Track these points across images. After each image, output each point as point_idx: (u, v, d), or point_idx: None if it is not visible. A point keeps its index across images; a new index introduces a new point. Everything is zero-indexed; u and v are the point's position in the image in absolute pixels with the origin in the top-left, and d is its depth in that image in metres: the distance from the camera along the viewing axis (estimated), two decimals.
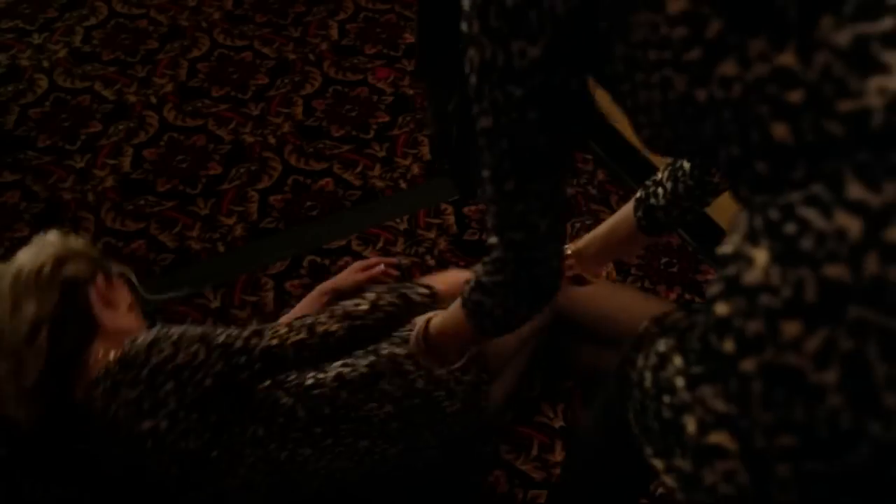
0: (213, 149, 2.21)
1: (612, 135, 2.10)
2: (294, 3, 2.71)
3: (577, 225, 2.01)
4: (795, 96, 0.57)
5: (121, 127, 2.27)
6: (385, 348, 1.37)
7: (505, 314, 0.97)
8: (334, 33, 2.59)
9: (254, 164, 2.17)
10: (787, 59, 0.56)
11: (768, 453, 0.60)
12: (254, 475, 1.28)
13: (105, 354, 1.24)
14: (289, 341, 1.21)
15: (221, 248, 1.97)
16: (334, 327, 1.22)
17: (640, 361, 0.75)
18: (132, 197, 2.09)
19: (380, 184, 2.12)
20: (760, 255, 0.59)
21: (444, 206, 2.06)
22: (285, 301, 1.85)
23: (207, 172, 2.15)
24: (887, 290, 0.53)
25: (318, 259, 1.93)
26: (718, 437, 0.63)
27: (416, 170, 2.15)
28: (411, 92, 2.37)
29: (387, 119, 2.29)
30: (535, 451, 1.61)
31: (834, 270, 0.55)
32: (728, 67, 0.59)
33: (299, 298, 1.83)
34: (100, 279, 1.29)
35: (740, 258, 0.61)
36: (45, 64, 2.47)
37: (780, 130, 0.58)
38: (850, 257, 0.54)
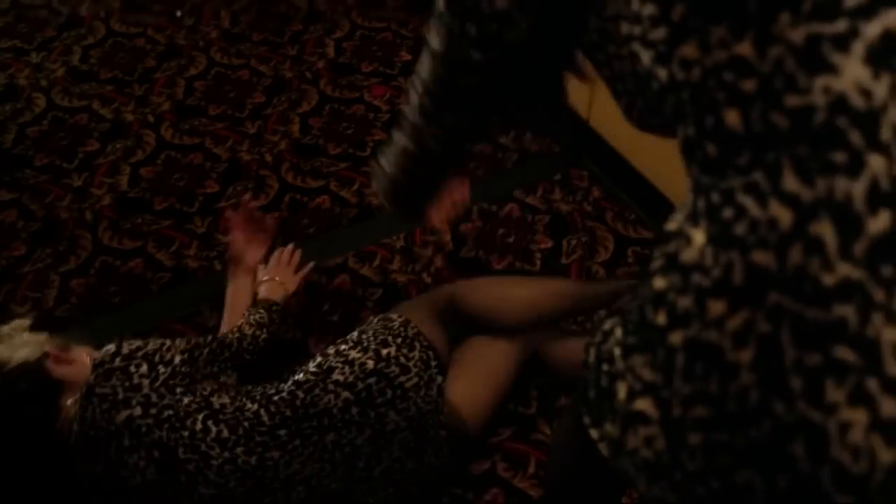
0: (210, 167, 2.22)
1: (607, 152, 2.12)
2: (291, 21, 2.73)
3: (574, 241, 2.02)
4: (749, 85, 0.59)
5: (118, 145, 2.28)
6: (331, 349, 1.50)
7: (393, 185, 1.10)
8: (331, 51, 2.60)
9: (250, 182, 2.17)
10: (745, 48, 0.59)
11: (683, 422, 0.64)
12: (226, 481, 1.32)
13: (76, 394, 1.33)
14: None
15: (218, 267, 1.97)
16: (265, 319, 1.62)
17: (589, 340, 0.80)
18: (129, 215, 2.10)
19: (376, 201, 2.13)
20: (698, 236, 0.62)
21: None
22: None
23: (204, 190, 2.16)
24: (806, 281, 0.56)
25: (315, 277, 1.94)
26: (643, 404, 0.67)
27: None
28: None
29: (383, 136, 2.30)
30: (532, 469, 1.61)
31: (761, 257, 0.58)
32: (689, 50, 0.61)
33: (295, 317, 1.85)
34: (51, 349, 1.37)
35: (681, 236, 0.65)
36: (44, 83, 2.48)
37: (731, 117, 0.60)
38: (778, 246, 0.58)
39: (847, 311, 0.56)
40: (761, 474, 0.62)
